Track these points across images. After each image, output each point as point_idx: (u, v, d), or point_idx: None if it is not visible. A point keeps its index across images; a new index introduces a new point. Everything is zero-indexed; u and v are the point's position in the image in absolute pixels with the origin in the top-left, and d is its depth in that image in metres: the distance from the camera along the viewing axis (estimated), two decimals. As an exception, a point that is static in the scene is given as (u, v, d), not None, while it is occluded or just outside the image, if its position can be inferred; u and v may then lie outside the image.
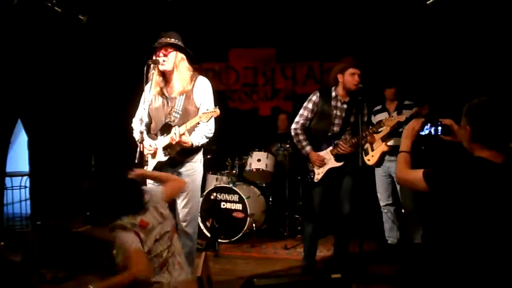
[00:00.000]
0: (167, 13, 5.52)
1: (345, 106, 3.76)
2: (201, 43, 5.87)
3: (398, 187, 4.35)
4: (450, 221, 1.80)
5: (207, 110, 3.08)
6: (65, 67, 5.74)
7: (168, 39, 3.17)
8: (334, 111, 3.75)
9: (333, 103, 3.75)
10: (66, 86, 5.80)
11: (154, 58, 3.17)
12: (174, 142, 3.09)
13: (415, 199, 4.21)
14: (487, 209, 1.74)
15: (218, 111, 3.06)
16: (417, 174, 1.93)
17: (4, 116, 4.94)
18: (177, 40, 3.20)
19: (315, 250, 3.93)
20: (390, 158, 4.27)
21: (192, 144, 3.15)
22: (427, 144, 4.23)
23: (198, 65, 6.26)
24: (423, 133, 2.17)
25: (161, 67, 3.16)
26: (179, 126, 3.12)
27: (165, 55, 3.15)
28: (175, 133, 3.06)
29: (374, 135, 4.10)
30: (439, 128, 2.17)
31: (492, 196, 1.75)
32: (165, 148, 3.18)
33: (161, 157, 3.19)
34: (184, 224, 3.20)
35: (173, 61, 3.18)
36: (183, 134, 3.07)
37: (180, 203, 3.19)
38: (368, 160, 4.32)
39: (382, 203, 4.49)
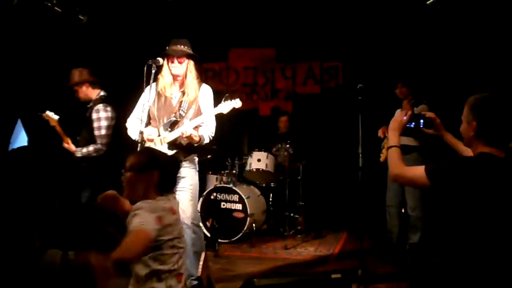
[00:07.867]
0: (167, 13, 5.51)
1: None
2: (201, 43, 5.85)
3: (406, 187, 4.29)
4: (456, 217, 1.77)
5: (227, 100, 3.11)
6: (65, 67, 5.74)
7: (183, 46, 3.23)
8: None
9: None
10: (66, 86, 5.80)
11: (167, 63, 3.21)
12: (185, 135, 3.08)
13: (423, 199, 4.18)
14: (494, 204, 1.72)
15: (240, 103, 3.09)
16: (417, 171, 1.88)
17: (4, 116, 4.94)
18: (190, 49, 3.26)
19: None
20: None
21: (199, 140, 3.15)
22: (432, 143, 4.21)
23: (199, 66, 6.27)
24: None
25: (174, 71, 3.21)
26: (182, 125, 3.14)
27: (180, 63, 3.21)
28: (186, 127, 3.07)
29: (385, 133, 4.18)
30: (421, 121, 2.13)
31: (499, 190, 1.73)
32: (170, 144, 3.18)
33: (167, 151, 3.16)
34: (193, 219, 3.19)
35: (186, 67, 3.25)
36: (194, 129, 3.10)
37: (184, 199, 3.16)
38: (380, 157, 4.32)
39: (388, 203, 4.45)
